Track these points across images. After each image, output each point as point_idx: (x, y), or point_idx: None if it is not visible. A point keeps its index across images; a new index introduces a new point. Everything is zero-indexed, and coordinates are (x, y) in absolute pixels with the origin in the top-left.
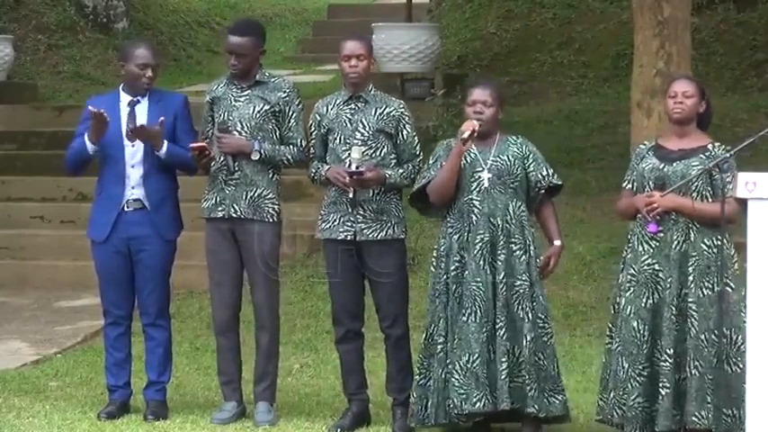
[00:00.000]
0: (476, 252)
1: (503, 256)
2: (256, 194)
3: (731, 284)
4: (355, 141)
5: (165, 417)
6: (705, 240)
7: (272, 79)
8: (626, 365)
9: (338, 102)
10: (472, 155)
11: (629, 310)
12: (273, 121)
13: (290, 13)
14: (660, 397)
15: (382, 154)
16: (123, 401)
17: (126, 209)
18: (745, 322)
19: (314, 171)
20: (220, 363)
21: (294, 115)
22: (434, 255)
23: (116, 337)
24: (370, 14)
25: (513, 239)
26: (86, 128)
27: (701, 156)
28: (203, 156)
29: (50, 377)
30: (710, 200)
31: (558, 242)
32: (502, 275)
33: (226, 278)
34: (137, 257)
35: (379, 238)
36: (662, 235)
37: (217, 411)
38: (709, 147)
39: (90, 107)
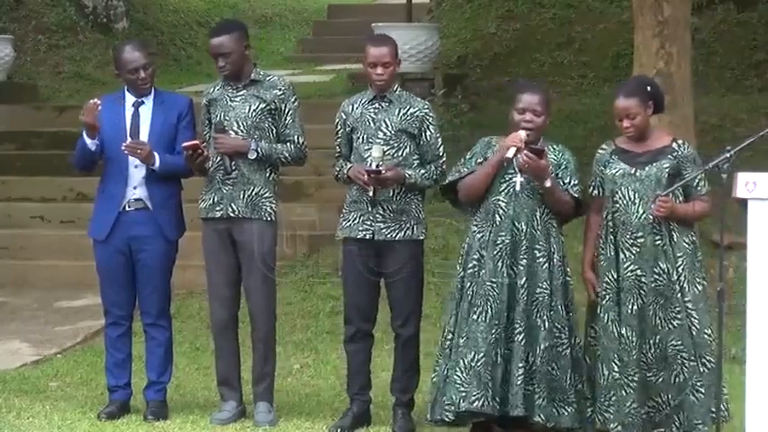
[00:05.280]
0: (495, 253)
1: (525, 260)
2: (254, 193)
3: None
4: (377, 140)
5: (165, 417)
6: (685, 238)
7: (268, 78)
8: (606, 372)
9: (363, 101)
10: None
11: (607, 317)
12: (270, 119)
13: (290, 13)
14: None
15: (404, 154)
16: (123, 401)
17: (127, 208)
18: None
19: (338, 170)
20: (219, 363)
21: (290, 113)
22: (460, 252)
23: (117, 337)
24: (370, 14)
25: (536, 245)
26: None
27: (669, 156)
28: (197, 155)
29: (50, 377)
30: (681, 199)
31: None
32: (524, 280)
33: (223, 279)
34: (137, 257)
35: (397, 238)
36: (642, 240)
37: (216, 411)
38: (674, 145)
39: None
